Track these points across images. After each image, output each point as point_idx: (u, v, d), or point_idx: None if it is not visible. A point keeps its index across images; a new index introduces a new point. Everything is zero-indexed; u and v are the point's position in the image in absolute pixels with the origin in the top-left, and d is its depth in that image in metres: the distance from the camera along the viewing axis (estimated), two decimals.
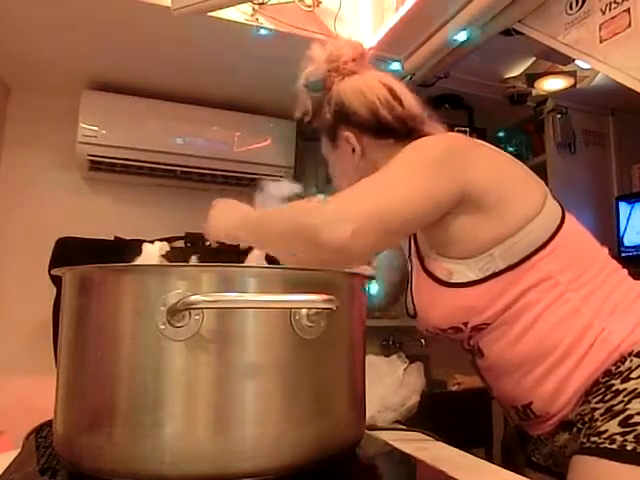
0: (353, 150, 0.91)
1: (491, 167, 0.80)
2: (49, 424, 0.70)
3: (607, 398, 0.73)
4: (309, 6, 1.68)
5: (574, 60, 1.68)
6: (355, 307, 0.65)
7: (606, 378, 0.74)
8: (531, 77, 2.04)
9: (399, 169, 0.77)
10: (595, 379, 0.75)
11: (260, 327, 0.55)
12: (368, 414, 0.72)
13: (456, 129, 2.04)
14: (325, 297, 0.53)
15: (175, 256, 0.80)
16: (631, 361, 0.73)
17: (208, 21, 1.56)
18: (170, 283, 0.53)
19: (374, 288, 1.04)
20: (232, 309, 0.54)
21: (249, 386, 0.54)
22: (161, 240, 0.84)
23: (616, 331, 0.75)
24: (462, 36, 1.56)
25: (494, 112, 2.28)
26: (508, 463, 0.95)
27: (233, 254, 0.87)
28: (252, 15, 1.62)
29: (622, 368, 0.73)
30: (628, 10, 1.18)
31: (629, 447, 0.66)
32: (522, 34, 1.47)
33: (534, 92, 2.13)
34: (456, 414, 1.94)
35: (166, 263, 0.78)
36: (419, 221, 0.78)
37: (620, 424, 0.69)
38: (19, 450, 0.70)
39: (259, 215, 0.77)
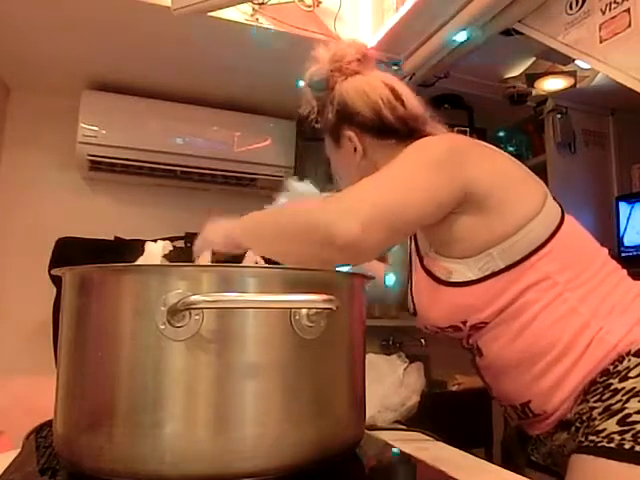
0: (355, 149, 0.91)
1: (492, 167, 0.81)
2: (49, 424, 0.70)
3: (605, 397, 0.73)
4: (309, 6, 1.68)
5: (574, 60, 1.69)
6: (355, 307, 0.65)
7: (604, 377, 0.74)
8: (531, 77, 2.04)
9: (400, 169, 0.77)
10: (592, 378, 0.76)
11: (260, 327, 0.55)
12: (368, 414, 0.72)
13: (456, 129, 2.04)
14: (325, 297, 0.53)
15: (178, 256, 0.80)
16: (629, 360, 0.73)
17: (208, 21, 1.56)
18: (170, 283, 0.53)
19: (391, 279, 1.04)
20: (232, 309, 0.54)
21: (249, 386, 0.54)
22: (162, 240, 0.84)
23: (614, 330, 0.76)
24: (462, 36, 1.56)
25: (494, 112, 2.28)
26: (508, 463, 0.95)
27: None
28: (252, 15, 1.62)
29: (620, 367, 0.74)
30: (628, 10, 1.18)
31: (627, 446, 0.67)
32: (522, 34, 1.47)
33: (534, 92, 2.13)
34: (456, 414, 1.94)
35: (168, 263, 0.77)
36: (420, 221, 0.78)
37: (618, 423, 0.69)
38: (19, 450, 0.70)
39: (260, 218, 0.76)
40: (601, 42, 1.24)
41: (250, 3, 1.59)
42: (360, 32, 1.78)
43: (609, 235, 2.10)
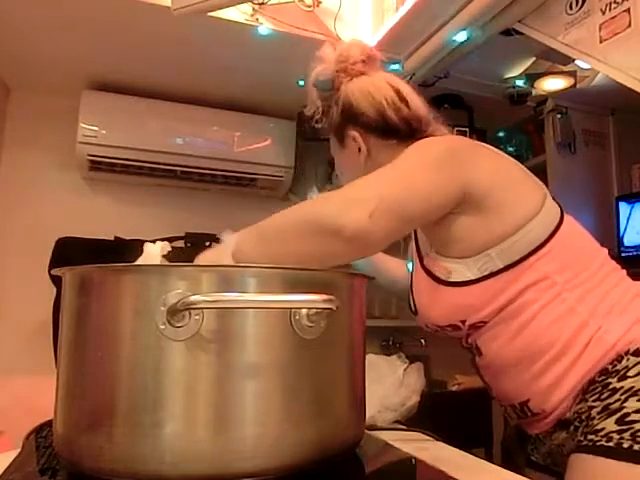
0: (359, 150, 0.91)
1: (491, 168, 0.81)
2: (49, 424, 0.70)
3: (604, 396, 0.73)
4: (309, 6, 1.68)
5: (574, 60, 1.68)
6: (355, 307, 0.65)
7: (603, 377, 0.75)
8: (531, 77, 2.05)
9: (401, 168, 0.78)
10: (591, 377, 0.76)
11: (260, 327, 0.55)
12: (368, 414, 0.72)
13: (456, 129, 2.04)
14: (325, 297, 0.53)
15: (176, 256, 0.80)
16: (628, 359, 0.74)
17: (208, 21, 1.56)
18: (170, 283, 0.53)
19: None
20: (232, 309, 0.54)
21: (249, 386, 0.54)
22: (161, 240, 0.84)
23: (612, 330, 0.76)
24: (462, 36, 1.56)
25: (494, 112, 2.28)
26: (508, 463, 0.96)
27: None
28: (252, 15, 1.62)
29: (619, 367, 0.74)
30: (628, 10, 1.18)
31: (625, 445, 0.67)
32: (522, 34, 1.47)
33: (534, 92, 2.13)
34: (456, 414, 1.94)
35: (167, 263, 0.77)
36: (425, 214, 0.78)
37: (617, 422, 0.69)
38: (19, 450, 0.70)
39: (259, 225, 0.75)
40: (601, 42, 1.24)
41: (250, 3, 1.59)
42: (360, 32, 1.78)
43: (609, 235, 2.10)
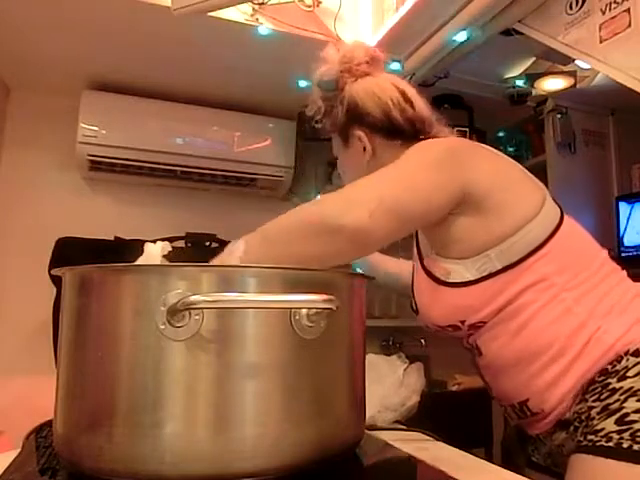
0: (364, 149, 0.92)
1: (491, 169, 0.82)
2: (49, 424, 0.70)
3: (603, 397, 0.73)
4: (309, 6, 1.68)
5: (574, 60, 1.68)
6: (355, 307, 0.65)
7: (602, 377, 0.75)
8: (531, 77, 2.04)
9: (401, 168, 0.78)
10: (590, 377, 0.76)
11: (260, 327, 0.55)
12: (368, 414, 0.72)
13: (456, 129, 2.04)
14: (325, 297, 0.53)
15: (177, 256, 0.80)
16: (627, 360, 0.74)
17: (208, 21, 1.56)
18: (170, 283, 0.53)
19: None
20: (232, 309, 0.54)
21: (249, 386, 0.54)
22: (162, 240, 0.84)
23: (611, 330, 0.76)
24: (462, 36, 1.56)
25: (494, 112, 2.28)
26: (508, 463, 0.96)
27: None
28: (252, 15, 1.62)
29: (618, 367, 0.74)
30: (628, 10, 1.18)
31: (625, 445, 0.67)
32: (522, 34, 1.47)
33: (534, 92, 2.13)
34: (456, 414, 1.94)
35: (168, 263, 0.77)
36: (425, 215, 0.79)
37: (616, 422, 0.69)
38: (19, 450, 0.70)
39: (263, 228, 0.75)
40: (601, 42, 1.24)
41: (250, 3, 1.59)
42: (360, 32, 1.78)
43: (609, 235, 2.10)
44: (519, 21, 1.46)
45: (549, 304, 0.78)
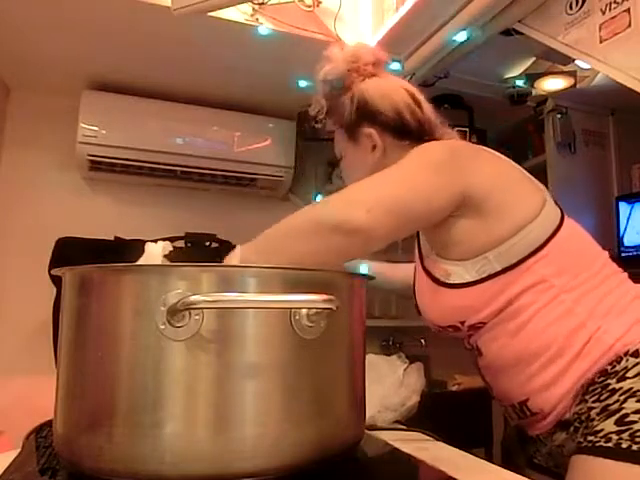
0: (373, 147, 0.93)
1: (492, 172, 0.82)
2: (49, 424, 0.70)
3: (603, 397, 0.73)
4: (309, 6, 1.68)
5: (574, 60, 1.68)
6: (355, 307, 0.66)
7: (602, 378, 0.75)
8: (531, 77, 2.04)
9: (402, 170, 0.79)
10: (590, 378, 0.76)
11: (260, 327, 0.55)
12: (368, 414, 0.72)
13: (456, 129, 2.04)
14: (325, 297, 0.53)
15: (177, 256, 0.80)
16: (627, 360, 0.74)
17: (208, 21, 1.55)
18: (170, 283, 0.53)
19: None
20: (232, 309, 0.54)
21: (249, 386, 0.54)
22: (162, 240, 0.84)
23: (611, 330, 0.76)
24: (462, 36, 1.56)
25: (494, 112, 2.28)
26: (508, 463, 0.96)
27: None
28: (252, 15, 1.62)
29: (618, 367, 0.74)
30: (628, 10, 1.18)
31: (624, 445, 0.67)
32: (522, 34, 1.47)
33: (534, 92, 2.13)
34: (456, 414, 1.94)
35: (169, 263, 0.77)
36: (424, 216, 0.79)
37: (616, 423, 0.70)
38: (19, 450, 0.70)
39: (266, 233, 0.76)
40: (601, 42, 1.24)
41: (250, 3, 1.59)
42: (360, 32, 1.78)
43: (609, 235, 2.10)
44: (519, 21, 1.46)
45: (548, 305, 0.78)
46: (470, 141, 2.12)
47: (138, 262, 0.76)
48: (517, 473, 0.67)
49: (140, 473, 0.52)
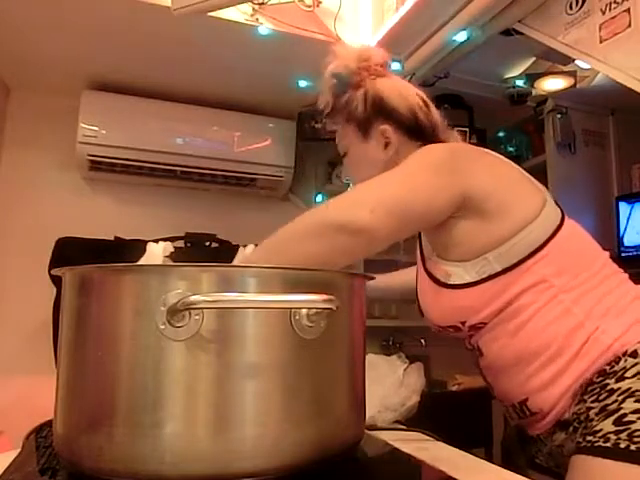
0: (386, 145, 0.93)
1: (492, 173, 0.83)
2: (49, 424, 0.70)
3: (602, 397, 0.74)
4: (309, 6, 1.68)
5: (574, 60, 1.68)
6: (355, 307, 0.65)
7: (601, 378, 0.75)
8: (531, 77, 2.04)
9: (403, 171, 0.80)
10: (588, 378, 0.76)
11: (260, 327, 0.55)
12: (368, 414, 0.72)
13: (456, 129, 2.04)
14: (325, 297, 0.53)
15: (177, 256, 0.80)
16: (625, 361, 0.74)
17: (208, 21, 1.56)
18: (170, 283, 0.53)
19: None
20: (232, 309, 0.54)
21: (249, 386, 0.54)
22: (162, 240, 0.84)
23: (609, 331, 0.77)
24: (462, 36, 1.56)
25: (494, 112, 2.28)
26: (508, 463, 0.96)
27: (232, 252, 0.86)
28: (252, 15, 1.62)
29: (616, 368, 0.74)
30: (628, 10, 1.18)
31: (622, 445, 0.67)
32: (522, 34, 1.47)
33: (534, 92, 2.13)
34: (456, 414, 1.94)
35: (170, 263, 0.78)
36: (426, 216, 0.80)
37: (614, 423, 0.70)
38: (19, 450, 0.70)
39: (270, 238, 0.77)
40: (601, 42, 1.24)
41: (250, 3, 1.59)
42: (360, 32, 1.78)
43: (609, 235, 2.10)
44: (519, 21, 1.46)
45: (547, 305, 0.79)
46: (470, 141, 2.12)
47: (139, 262, 0.76)
48: (517, 473, 0.67)
49: (140, 473, 0.52)
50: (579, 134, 2.19)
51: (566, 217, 0.83)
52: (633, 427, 0.68)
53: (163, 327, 0.52)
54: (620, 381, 0.73)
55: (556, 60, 1.88)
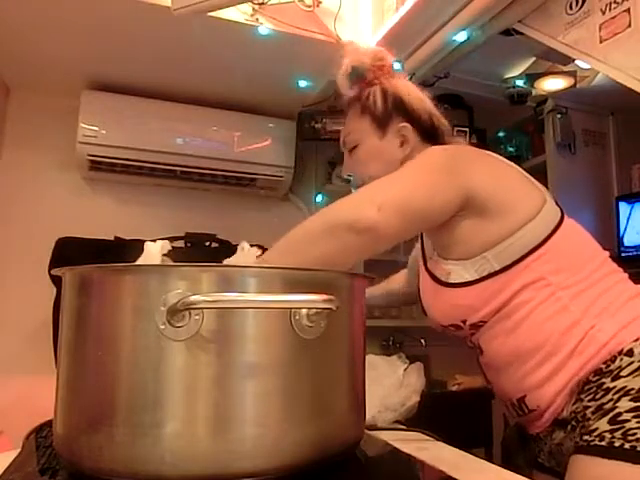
0: (402, 143, 0.94)
1: (493, 173, 0.84)
2: (49, 424, 0.70)
3: (598, 396, 0.74)
4: (309, 6, 1.68)
5: (574, 60, 1.68)
6: (355, 307, 0.66)
7: (597, 377, 0.76)
8: (531, 77, 2.05)
9: (404, 172, 0.81)
10: (584, 376, 0.77)
11: (260, 327, 0.55)
12: (368, 414, 0.72)
13: (456, 129, 2.04)
14: (325, 297, 0.53)
15: (177, 256, 0.80)
16: (621, 359, 0.75)
17: (208, 21, 1.55)
18: (170, 283, 0.53)
19: None
20: (232, 309, 0.54)
21: (249, 386, 0.54)
22: (162, 240, 0.83)
23: (605, 329, 0.77)
24: (462, 36, 1.56)
25: (494, 112, 2.28)
26: (508, 463, 0.96)
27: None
28: (252, 15, 1.62)
29: (612, 367, 0.75)
30: (628, 10, 1.18)
31: (617, 444, 0.68)
32: (522, 34, 1.47)
33: (534, 92, 2.13)
34: (456, 414, 1.94)
35: (168, 262, 0.77)
36: (430, 215, 0.81)
37: (609, 422, 0.70)
38: (19, 450, 0.70)
39: (282, 240, 0.77)
40: (601, 42, 1.24)
41: (250, 3, 1.59)
42: (360, 32, 1.78)
43: (609, 235, 2.10)
44: (519, 21, 1.46)
45: (545, 302, 0.79)
46: (470, 141, 2.12)
47: (137, 262, 0.76)
48: (517, 473, 0.67)
49: (140, 473, 0.52)
50: (579, 134, 2.19)
51: (565, 216, 0.84)
52: (627, 426, 0.68)
53: (163, 327, 0.52)
54: (616, 380, 0.73)
55: (556, 60, 1.88)
